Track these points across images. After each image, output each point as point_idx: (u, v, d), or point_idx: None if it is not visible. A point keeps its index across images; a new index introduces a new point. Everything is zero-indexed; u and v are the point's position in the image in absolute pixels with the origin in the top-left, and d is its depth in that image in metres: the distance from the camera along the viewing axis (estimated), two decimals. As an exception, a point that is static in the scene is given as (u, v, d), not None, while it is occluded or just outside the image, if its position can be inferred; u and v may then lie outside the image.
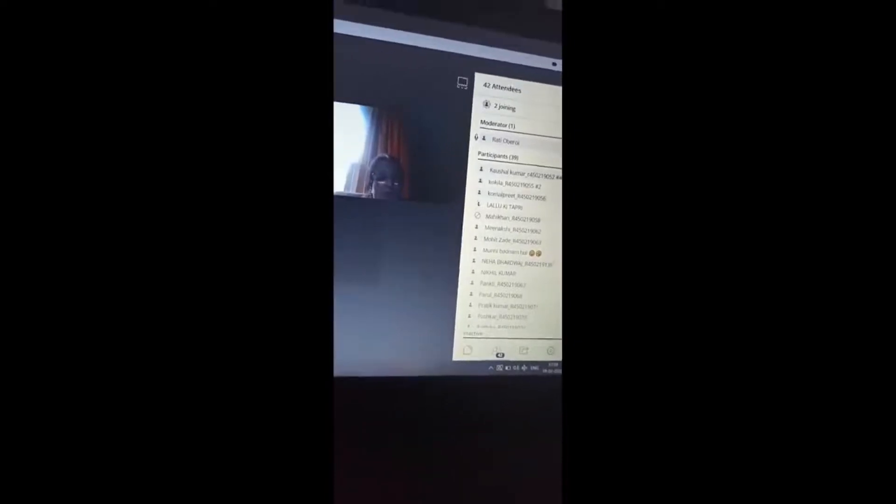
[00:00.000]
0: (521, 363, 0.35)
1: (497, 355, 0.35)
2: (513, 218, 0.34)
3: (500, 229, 0.34)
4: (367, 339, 0.32)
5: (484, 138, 0.33)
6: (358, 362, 0.32)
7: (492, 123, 0.33)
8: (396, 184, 0.32)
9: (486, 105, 0.33)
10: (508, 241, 0.34)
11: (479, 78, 0.32)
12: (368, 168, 0.31)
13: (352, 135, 0.31)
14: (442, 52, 0.32)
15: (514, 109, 0.33)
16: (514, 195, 0.34)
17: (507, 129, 0.33)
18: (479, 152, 0.33)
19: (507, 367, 0.35)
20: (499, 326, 0.34)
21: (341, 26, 0.30)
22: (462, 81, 0.32)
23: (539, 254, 0.35)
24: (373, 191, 0.31)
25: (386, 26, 0.31)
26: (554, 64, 0.34)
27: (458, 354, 0.34)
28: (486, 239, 0.34)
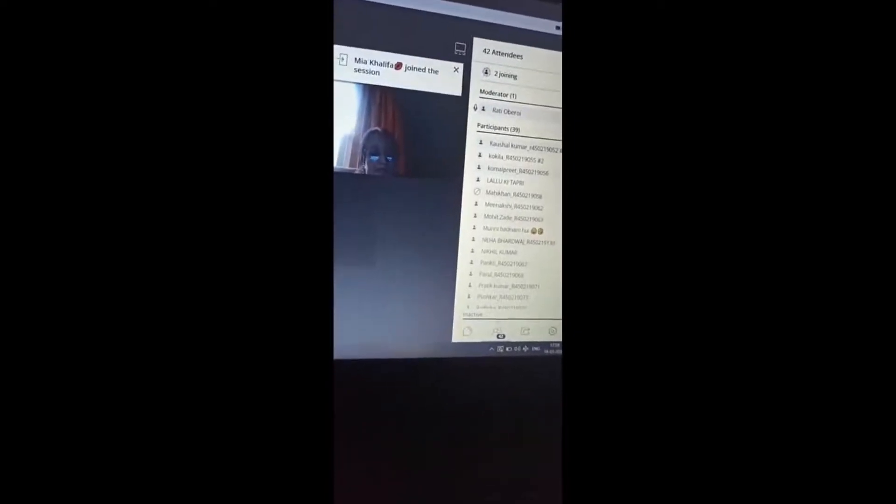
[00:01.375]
0: (522, 344, 0.34)
1: (498, 336, 0.34)
2: (514, 194, 0.33)
3: (501, 206, 0.33)
4: (363, 321, 0.31)
5: (483, 109, 0.31)
6: (354, 345, 0.31)
7: (491, 93, 0.31)
8: (391, 159, 0.30)
9: (486, 73, 0.31)
10: (509, 218, 0.33)
11: (478, 43, 0.31)
12: (360, 142, 0.30)
13: (342, 106, 0.29)
14: (437, 14, 0.30)
15: (515, 77, 0.31)
16: (515, 170, 0.32)
17: (507, 98, 0.32)
18: (479, 124, 0.31)
19: (507, 349, 0.34)
20: (499, 307, 0.34)
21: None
22: (460, 47, 0.30)
23: (541, 231, 0.33)
24: (365, 166, 0.30)
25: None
26: (557, 28, 0.32)
27: (458, 336, 0.33)
28: (486, 216, 0.32)
